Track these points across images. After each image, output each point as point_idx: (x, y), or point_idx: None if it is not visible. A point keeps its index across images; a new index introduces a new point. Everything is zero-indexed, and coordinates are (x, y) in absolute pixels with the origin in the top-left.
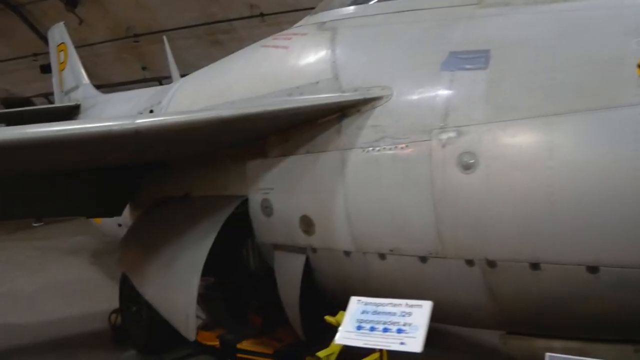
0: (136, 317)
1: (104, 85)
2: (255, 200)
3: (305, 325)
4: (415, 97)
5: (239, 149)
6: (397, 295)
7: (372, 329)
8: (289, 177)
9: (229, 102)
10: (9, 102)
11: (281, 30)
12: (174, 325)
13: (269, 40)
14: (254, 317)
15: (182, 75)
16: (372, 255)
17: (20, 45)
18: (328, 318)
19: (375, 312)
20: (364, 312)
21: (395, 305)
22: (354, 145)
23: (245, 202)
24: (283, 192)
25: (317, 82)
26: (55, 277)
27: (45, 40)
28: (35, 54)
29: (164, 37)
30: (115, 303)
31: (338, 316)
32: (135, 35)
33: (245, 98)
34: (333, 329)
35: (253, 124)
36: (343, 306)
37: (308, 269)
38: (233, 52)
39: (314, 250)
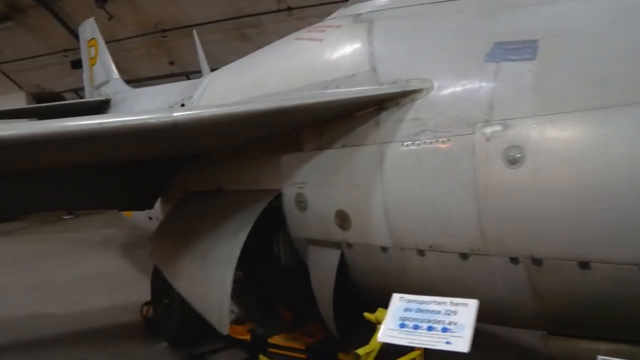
0: (168, 310)
1: (133, 80)
2: (289, 194)
3: (338, 321)
4: (457, 89)
5: (273, 142)
6: (435, 292)
7: (416, 327)
8: (324, 171)
9: (262, 95)
10: (40, 97)
11: (309, 24)
12: (207, 319)
13: (302, 33)
14: (285, 312)
15: (212, 70)
16: (410, 252)
17: (51, 41)
18: (367, 315)
19: (419, 310)
20: (406, 309)
21: (439, 303)
22: (393, 139)
23: (278, 197)
24: (318, 187)
25: (354, 75)
26: (86, 269)
27: (75, 36)
28: (66, 50)
29: (194, 32)
30: (146, 295)
31: (377, 313)
32: (164, 30)
33: (279, 91)
34: (366, 326)
35: (289, 117)
36: (378, 303)
37: (342, 265)
38: (260, 46)
39: (350, 245)
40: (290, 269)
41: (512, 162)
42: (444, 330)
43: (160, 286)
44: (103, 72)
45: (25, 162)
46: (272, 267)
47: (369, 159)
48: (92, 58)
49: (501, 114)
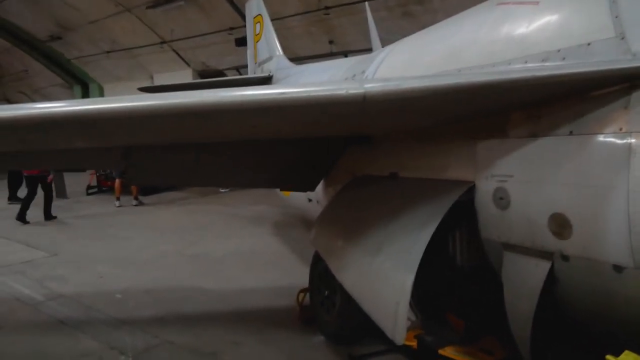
0: (327, 303)
1: (291, 59)
2: (485, 188)
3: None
4: None
5: (468, 124)
6: None
7: None
8: (539, 164)
9: (456, 69)
10: (204, 74)
11: (480, 1)
12: (378, 323)
13: None
14: (455, 320)
15: (368, 50)
16: None
17: (218, 19)
18: (610, 358)
19: None
20: None
21: None
22: None
23: (468, 190)
24: (528, 182)
25: (589, 44)
26: (240, 245)
27: (240, 14)
28: (231, 28)
29: (366, 4)
30: (298, 280)
31: (626, 357)
32: (327, 8)
33: (478, 65)
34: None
35: (507, 93)
36: (595, 332)
37: (550, 279)
38: (425, 25)
39: (565, 257)
40: (467, 271)
41: None
42: None
43: (321, 275)
44: (266, 49)
45: (198, 132)
46: (444, 267)
47: (610, 151)
48: (257, 34)
49: None
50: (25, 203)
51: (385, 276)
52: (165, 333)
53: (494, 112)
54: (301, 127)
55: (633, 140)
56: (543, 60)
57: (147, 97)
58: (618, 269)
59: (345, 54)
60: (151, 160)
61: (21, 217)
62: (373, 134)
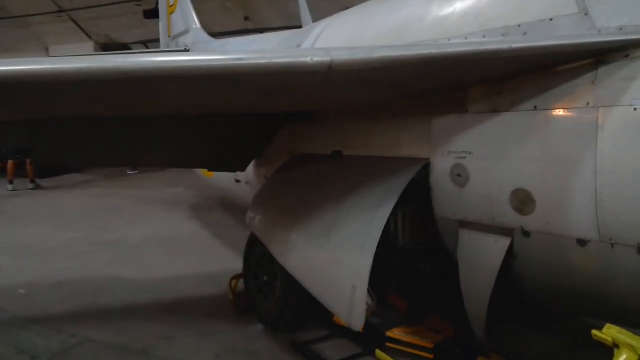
0: (266, 289)
1: None
2: (441, 165)
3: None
4: None
5: (423, 100)
6: None
7: None
8: (501, 140)
9: (404, 44)
10: (107, 48)
11: None
12: (332, 310)
13: None
14: (397, 300)
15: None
16: (624, 249)
17: None
18: (597, 333)
19: None
20: None
21: None
22: (618, 102)
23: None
24: (489, 158)
25: (552, 19)
26: (158, 230)
27: None
28: None
29: None
30: (226, 265)
31: (610, 331)
32: None
33: (432, 39)
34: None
35: (476, 66)
36: (550, 306)
37: (509, 257)
38: (345, 6)
39: (526, 233)
40: (412, 251)
41: None
42: None
43: (258, 259)
44: (182, 21)
45: (130, 104)
46: (387, 247)
47: (578, 126)
48: (171, 6)
49: None
50: None
51: (338, 259)
52: (84, 331)
53: (457, 86)
54: (250, 101)
55: (601, 115)
56: (503, 36)
57: (78, 60)
58: (582, 242)
59: (261, 31)
60: (63, 137)
61: None
62: (324, 109)
